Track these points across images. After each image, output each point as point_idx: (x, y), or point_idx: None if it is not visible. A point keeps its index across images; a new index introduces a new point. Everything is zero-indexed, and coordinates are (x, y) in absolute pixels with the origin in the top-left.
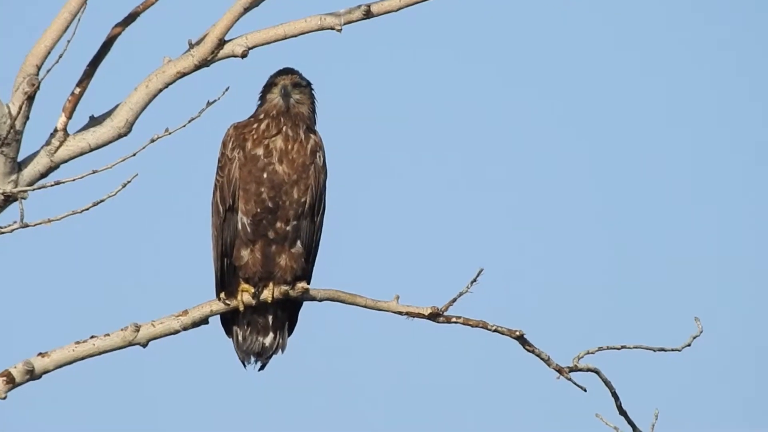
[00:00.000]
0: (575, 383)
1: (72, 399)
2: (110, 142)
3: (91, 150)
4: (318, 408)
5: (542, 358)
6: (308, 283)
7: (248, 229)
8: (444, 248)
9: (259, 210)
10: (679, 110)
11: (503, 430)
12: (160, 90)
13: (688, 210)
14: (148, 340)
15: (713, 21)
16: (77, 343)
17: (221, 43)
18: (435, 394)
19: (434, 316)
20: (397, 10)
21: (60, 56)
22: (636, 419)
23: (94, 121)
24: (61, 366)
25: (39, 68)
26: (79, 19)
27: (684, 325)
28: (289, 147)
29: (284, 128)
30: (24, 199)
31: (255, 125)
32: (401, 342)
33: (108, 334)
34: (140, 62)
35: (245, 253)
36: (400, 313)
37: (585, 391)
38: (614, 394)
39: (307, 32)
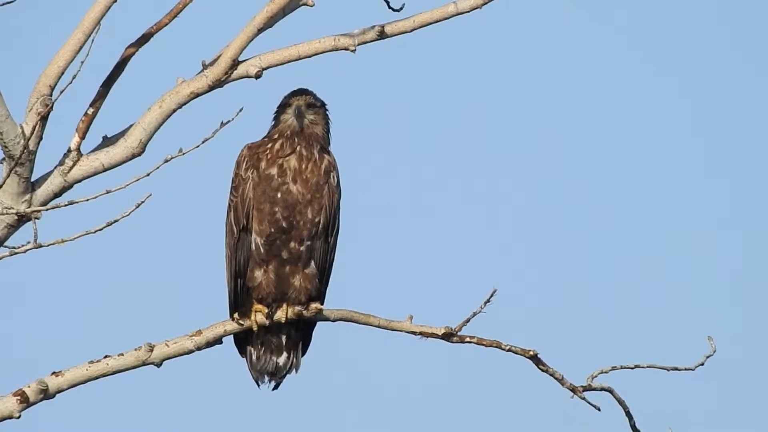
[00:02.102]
0: (589, 402)
1: (85, 418)
2: (124, 162)
3: (105, 170)
4: (332, 428)
5: (556, 378)
6: (322, 303)
7: (262, 250)
8: (458, 268)
9: (273, 230)
10: (690, 121)
11: None
12: (174, 110)
13: (699, 224)
14: (162, 360)
15: (720, 20)
16: (91, 362)
17: (235, 63)
18: (449, 414)
19: (448, 336)
20: (411, 31)
21: (73, 77)
22: None
23: (108, 141)
24: (74, 385)
25: (52, 89)
26: (92, 40)
27: (697, 343)
28: (303, 167)
29: (298, 148)
30: (37, 219)
31: (269, 145)
32: (415, 362)
33: (122, 354)
34: (154, 82)
35: (259, 274)
36: (413, 333)
37: (599, 410)
38: (628, 413)
39: (321, 53)
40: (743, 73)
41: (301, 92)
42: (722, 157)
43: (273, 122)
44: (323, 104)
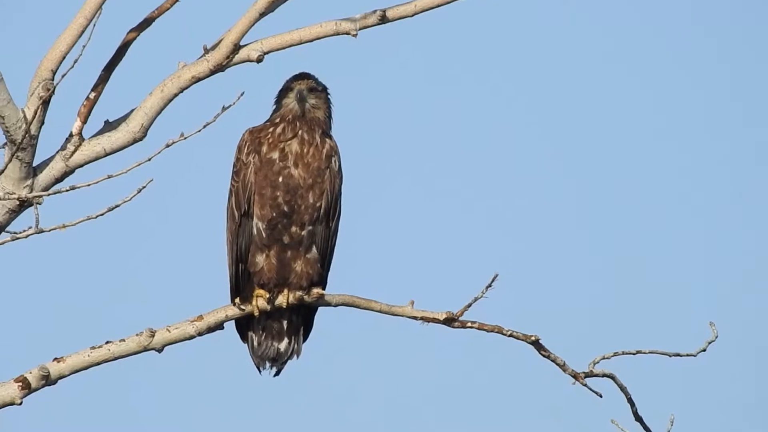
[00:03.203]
0: (591, 389)
1: (87, 404)
2: (125, 146)
3: (107, 155)
4: (333, 413)
5: (558, 364)
6: (323, 289)
7: (263, 234)
8: (459, 253)
9: (274, 214)
10: (672, 123)
11: None
12: (175, 95)
13: (704, 210)
14: (164, 346)
15: (703, 27)
16: (93, 348)
17: (236, 48)
18: (450, 399)
19: (449, 321)
20: (412, 15)
21: (75, 61)
22: (651, 425)
23: (109, 126)
24: (76, 371)
25: (54, 73)
26: (94, 24)
27: (700, 329)
28: (305, 151)
29: (300, 132)
30: (39, 204)
31: (271, 129)
32: (416, 347)
33: (123, 340)
34: (155, 67)
35: (260, 259)
36: (415, 318)
37: (600, 396)
38: (630, 400)
39: (323, 37)
40: (727, 74)
41: (303, 76)
42: (728, 144)
43: (275, 106)
44: (325, 88)
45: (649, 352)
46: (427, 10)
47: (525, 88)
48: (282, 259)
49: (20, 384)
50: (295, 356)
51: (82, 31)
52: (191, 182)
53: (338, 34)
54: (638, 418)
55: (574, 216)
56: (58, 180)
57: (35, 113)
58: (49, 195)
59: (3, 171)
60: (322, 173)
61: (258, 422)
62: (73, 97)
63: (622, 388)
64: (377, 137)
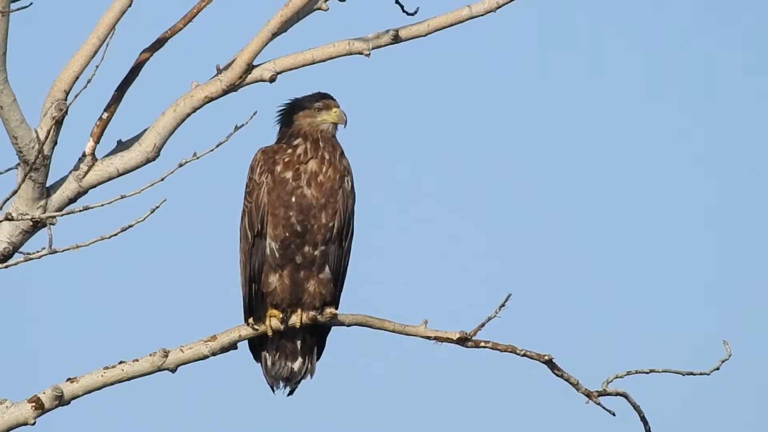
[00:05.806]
0: (604, 407)
1: (101, 425)
2: (138, 166)
3: (120, 175)
4: None
5: (571, 383)
6: (336, 308)
7: (276, 254)
8: (472, 273)
9: (287, 234)
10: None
11: None
12: (188, 114)
13: (716, 228)
14: (177, 366)
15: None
16: (106, 368)
17: (249, 67)
18: (464, 419)
19: (463, 340)
20: (425, 35)
21: (88, 81)
22: None
23: (122, 146)
24: (89, 391)
25: (67, 93)
26: (107, 45)
27: (713, 348)
28: (323, 170)
29: (322, 152)
30: (52, 224)
31: (289, 150)
32: (430, 367)
33: (137, 360)
34: (168, 87)
35: (273, 279)
36: (428, 337)
37: (614, 415)
38: (643, 419)
39: (336, 57)
40: (740, 71)
41: (328, 96)
42: (729, 156)
43: (288, 126)
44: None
45: (663, 371)
46: (439, 29)
47: (539, 106)
48: (295, 279)
49: (33, 404)
50: (309, 375)
51: (95, 52)
52: (204, 202)
53: (351, 53)
54: None
55: (587, 234)
56: (72, 200)
57: (48, 133)
58: (62, 215)
59: (16, 191)
60: (335, 193)
61: None
62: (86, 117)
63: (636, 407)
64: (390, 157)
